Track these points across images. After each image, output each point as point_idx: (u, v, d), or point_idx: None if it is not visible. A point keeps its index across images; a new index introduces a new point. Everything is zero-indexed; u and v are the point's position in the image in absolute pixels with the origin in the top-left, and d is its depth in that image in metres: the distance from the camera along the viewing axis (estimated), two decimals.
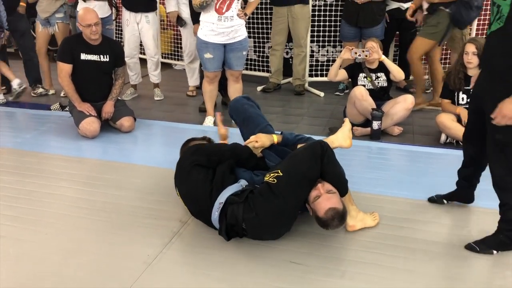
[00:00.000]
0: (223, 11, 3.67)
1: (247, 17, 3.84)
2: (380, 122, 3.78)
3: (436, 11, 4.18)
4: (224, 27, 3.73)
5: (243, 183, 2.38)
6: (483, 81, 2.21)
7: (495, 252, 2.25)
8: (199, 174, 2.37)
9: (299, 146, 2.59)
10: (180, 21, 4.83)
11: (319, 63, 5.52)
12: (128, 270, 2.14)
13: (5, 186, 2.97)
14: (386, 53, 4.96)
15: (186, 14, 4.71)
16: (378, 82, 4.00)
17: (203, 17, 3.79)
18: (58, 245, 2.33)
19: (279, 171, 2.25)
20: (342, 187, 2.35)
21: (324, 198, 2.22)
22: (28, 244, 2.35)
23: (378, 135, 3.82)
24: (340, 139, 2.64)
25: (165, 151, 3.56)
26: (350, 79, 4.23)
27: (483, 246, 2.27)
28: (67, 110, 4.21)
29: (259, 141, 2.62)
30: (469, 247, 2.29)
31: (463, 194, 2.62)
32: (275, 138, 2.67)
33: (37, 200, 2.79)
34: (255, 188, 2.32)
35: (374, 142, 3.75)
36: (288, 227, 2.37)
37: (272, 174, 2.26)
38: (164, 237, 2.39)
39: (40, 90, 5.16)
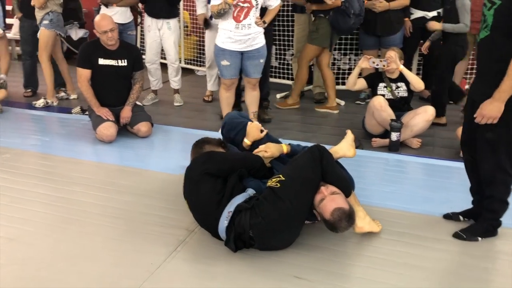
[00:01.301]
0: (240, 19, 3.67)
1: (265, 25, 3.82)
2: (399, 133, 3.69)
3: (317, 17, 4.56)
4: (241, 35, 3.72)
5: (250, 191, 2.37)
6: (476, 85, 2.38)
7: (480, 239, 2.43)
8: (208, 183, 2.35)
9: None
10: (207, 24, 4.87)
11: (341, 71, 5.45)
12: (130, 279, 2.13)
13: (20, 188, 3.02)
14: (409, 63, 4.87)
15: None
16: (398, 92, 3.91)
17: (221, 24, 3.79)
18: (65, 251, 2.35)
19: (281, 175, 2.26)
20: (344, 187, 2.34)
21: (328, 199, 2.22)
22: (35, 248, 2.38)
23: (397, 147, 3.73)
24: (344, 149, 2.67)
25: (181, 158, 3.53)
26: (370, 88, 4.16)
27: (468, 233, 2.44)
28: (87, 114, 4.28)
29: (269, 151, 2.61)
30: (456, 235, 2.46)
31: (478, 211, 2.52)
32: (285, 148, 2.66)
33: (50, 203, 2.83)
34: (258, 196, 2.31)
35: (392, 154, 3.66)
36: (294, 234, 2.34)
37: (274, 179, 2.27)
38: (170, 245, 2.38)
39: (62, 94, 5.27)
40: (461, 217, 2.62)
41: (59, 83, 5.31)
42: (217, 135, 3.87)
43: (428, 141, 3.94)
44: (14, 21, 7.02)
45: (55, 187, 3.04)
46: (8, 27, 7.29)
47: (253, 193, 2.36)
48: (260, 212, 2.20)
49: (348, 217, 2.21)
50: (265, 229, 2.22)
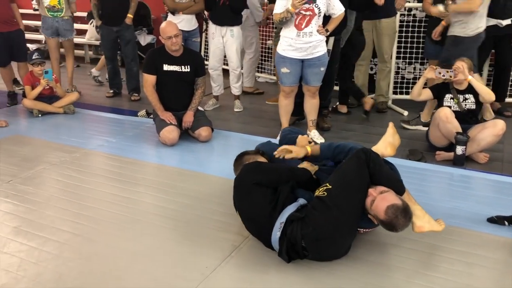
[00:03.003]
0: (302, 27, 3.67)
1: (328, 33, 3.79)
2: (464, 147, 3.53)
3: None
4: (302, 43, 3.72)
5: (302, 201, 2.34)
6: None
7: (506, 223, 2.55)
8: (258, 194, 2.35)
9: None
10: None
11: (405, 80, 5.30)
12: (186, 280, 2.19)
13: (86, 186, 3.19)
14: (479, 74, 4.64)
15: None
16: (466, 104, 3.75)
17: (283, 32, 3.82)
18: (126, 249, 2.45)
19: (327, 184, 2.24)
20: (396, 186, 2.27)
21: (379, 199, 2.17)
22: (99, 244, 2.50)
23: (462, 161, 3.57)
24: (381, 148, 2.55)
25: None
26: (435, 100, 4.01)
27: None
28: (151, 118, 4.45)
29: (293, 149, 2.59)
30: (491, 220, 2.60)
31: None
32: (309, 149, 2.61)
33: (114, 202, 2.96)
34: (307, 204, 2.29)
35: (457, 169, 3.50)
36: (348, 242, 2.30)
37: (321, 189, 2.25)
38: (225, 250, 2.42)
39: (134, 97, 5.55)
40: (506, 222, 2.49)
41: (133, 87, 5.57)
42: (274, 141, 3.90)
43: (497, 156, 3.74)
44: (88, 27, 7.45)
45: (119, 187, 3.18)
46: (82, 32, 7.76)
47: (304, 202, 2.34)
48: (310, 222, 2.18)
49: (404, 212, 2.14)
50: (316, 239, 2.19)
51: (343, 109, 5.03)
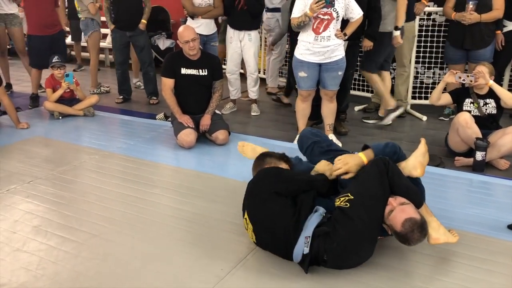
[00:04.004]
0: (320, 31, 3.66)
1: (346, 37, 3.78)
2: (484, 153, 3.47)
3: None
4: (320, 47, 3.71)
5: (321, 211, 2.29)
6: None
7: None
8: (277, 203, 2.28)
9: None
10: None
11: (424, 85, 5.25)
12: (201, 282, 2.19)
13: (105, 188, 3.23)
14: (500, 79, 4.59)
15: None
16: (486, 109, 3.69)
17: (300, 36, 3.81)
18: (142, 250, 2.47)
19: (349, 194, 2.18)
20: (414, 198, 2.22)
21: (398, 210, 2.13)
22: (115, 245, 2.52)
23: (482, 167, 3.51)
24: (410, 167, 2.34)
25: None
26: (455, 104, 3.96)
27: None
28: (169, 120, 4.48)
29: (348, 169, 2.36)
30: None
31: None
32: (364, 159, 2.38)
33: (131, 204, 2.99)
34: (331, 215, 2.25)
35: (476, 175, 3.45)
36: (369, 252, 2.25)
37: (342, 198, 2.19)
38: (240, 253, 2.42)
39: (153, 101, 5.61)
40: None
41: (151, 91, 5.63)
42: (293, 146, 3.89)
43: None
44: (109, 31, 7.56)
45: (137, 189, 3.21)
46: (102, 36, 7.88)
47: (324, 212, 2.29)
48: (334, 237, 2.13)
49: (421, 227, 2.11)
50: (339, 253, 2.16)
51: (285, 100, 5.45)
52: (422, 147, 2.40)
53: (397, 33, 4.32)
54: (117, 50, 5.56)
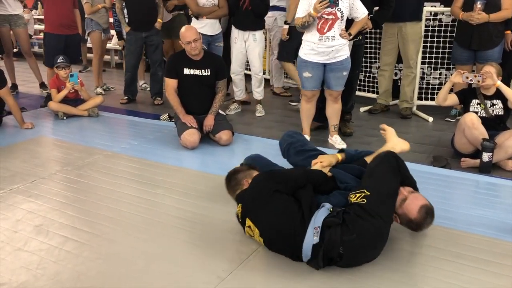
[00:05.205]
0: (324, 31, 3.63)
1: (351, 37, 3.75)
2: (491, 154, 3.43)
3: None
4: (325, 47, 3.68)
5: (328, 206, 2.27)
6: None
7: None
8: (281, 201, 2.27)
9: (366, 158, 2.63)
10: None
11: (430, 86, 5.21)
12: (202, 282, 2.17)
13: (108, 188, 3.22)
14: (508, 80, 4.54)
15: None
16: (493, 110, 3.65)
17: (305, 36, 3.79)
18: (144, 250, 2.45)
19: (365, 190, 2.20)
20: (416, 187, 2.41)
21: (411, 198, 2.25)
22: (118, 245, 2.51)
23: (488, 169, 3.46)
24: (400, 144, 2.75)
25: None
26: (461, 105, 3.92)
27: None
28: (173, 121, 4.47)
29: (324, 160, 2.65)
30: None
31: None
32: (339, 156, 2.73)
33: (134, 204, 2.98)
34: (345, 209, 2.22)
35: (483, 176, 3.40)
36: (382, 247, 2.27)
37: (358, 195, 2.20)
38: (242, 253, 2.39)
39: (157, 101, 5.61)
40: None
41: (157, 92, 5.63)
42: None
43: None
44: (115, 33, 7.57)
45: (140, 189, 3.20)
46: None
47: (331, 207, 2.27)
48: (354, 229, 2.11)
49: (432, 213, 2.26)
50: (358, 246, 2.13)
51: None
52: (388, 129, 2.86)
53: (285, 26, 5.00)
54: (131, 53, 5.48)
